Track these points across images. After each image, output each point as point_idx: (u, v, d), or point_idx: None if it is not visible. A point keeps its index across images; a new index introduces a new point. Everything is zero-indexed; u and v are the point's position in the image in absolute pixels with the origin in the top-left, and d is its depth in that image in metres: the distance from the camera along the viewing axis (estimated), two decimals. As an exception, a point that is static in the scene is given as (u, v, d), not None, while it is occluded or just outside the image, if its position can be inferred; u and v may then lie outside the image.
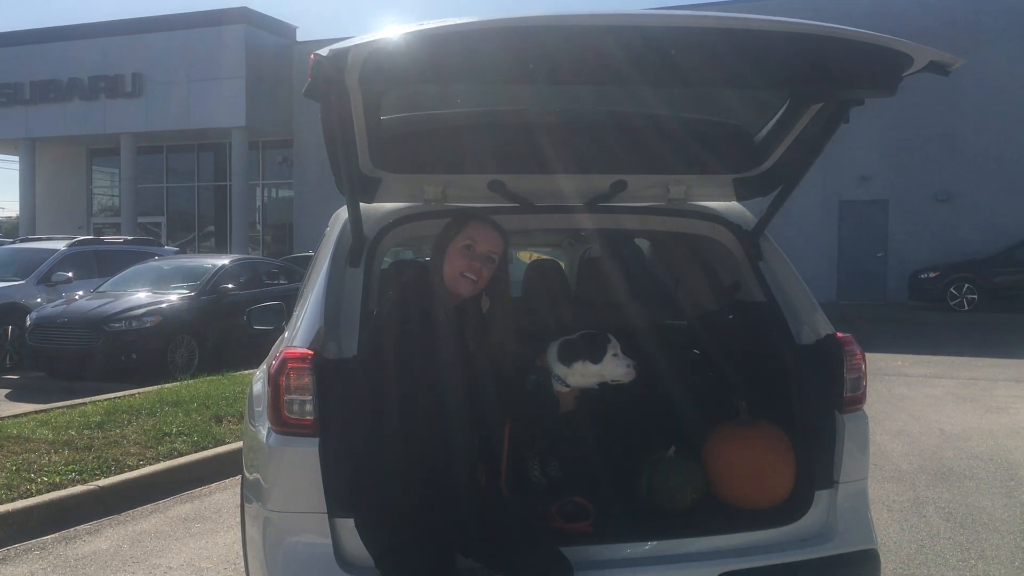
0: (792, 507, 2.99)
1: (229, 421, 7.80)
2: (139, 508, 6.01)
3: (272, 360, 2.94)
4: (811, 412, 3.03)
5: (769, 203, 3.28)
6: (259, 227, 30.09)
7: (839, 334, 3.12)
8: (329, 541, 2.70)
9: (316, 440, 2.71)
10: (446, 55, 2.30)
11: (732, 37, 2.37)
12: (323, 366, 2.77)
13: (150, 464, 6.56)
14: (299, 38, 29.05)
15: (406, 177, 3.19)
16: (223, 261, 13.59)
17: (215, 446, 7.10)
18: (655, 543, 2.85)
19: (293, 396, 2.74)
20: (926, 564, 4.73)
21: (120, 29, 27.67)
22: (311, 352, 2.77)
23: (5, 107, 28.80)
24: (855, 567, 2.93)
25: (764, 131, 3.14)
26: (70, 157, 31.40)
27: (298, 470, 2.74)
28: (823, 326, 3.15)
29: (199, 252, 26.88)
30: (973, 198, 22.27)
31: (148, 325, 11.43)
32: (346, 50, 2.26)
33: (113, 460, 6.50)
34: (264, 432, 2.87)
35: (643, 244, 4.69)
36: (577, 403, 3.08)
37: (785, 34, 2.38)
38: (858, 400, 3.10)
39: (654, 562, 2.81)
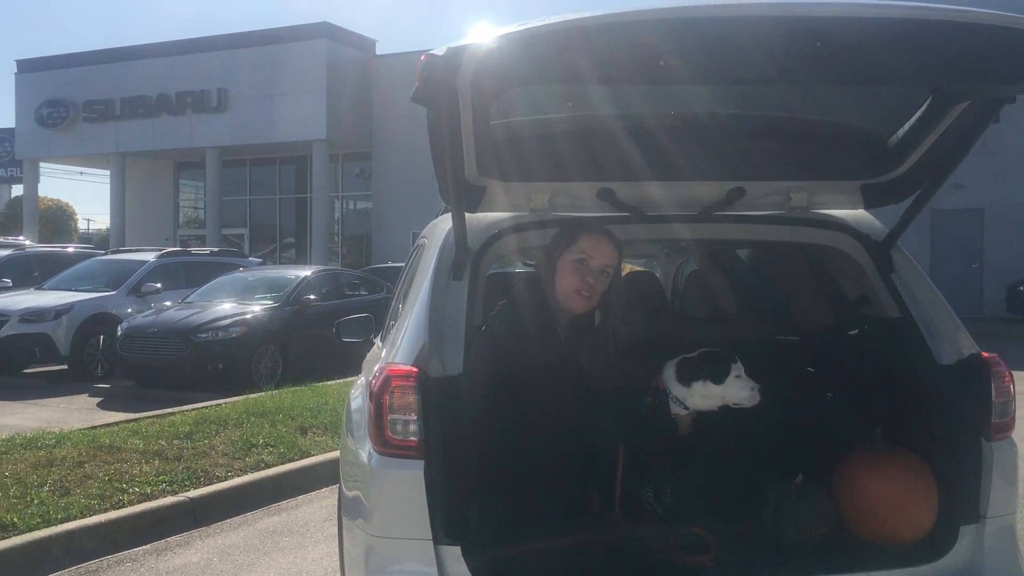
0: (934, 544, 2.74)
1: (314, 433, 7.78)
2: (228, 520, 5.99)
3: (373, 376, 2.81)
4: (955, 439, 2.78)
5: (904, 211, 3.03)
6: (337, 239, 30.46)
7: (984, 353, 2.86)
8: (434, 570, 2.55)
9: (421, 463, 2.57)
10: (573, 53, 2.14)
11: (884, 27, 2.16)
12: (428, 384, 2.63)
13: (238, 475, 6.56)
14: (378, 52, 29.38)
15: (512, 185, 3.04)
16: (306, 272, 13.72)
17: (301, 458, 7.07)
18: None
19: (397, 416, 2.61)
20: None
21: (206, 46, 28.41)
22: (415, 369, 2.64)
23: (97, 123, 29.78)
24: None
25: (900, 132, 2.90)
26: (158, 171, 32.32)
27: (402, 494, 2.60)
28: (966, 345, 2.89)
29: (280, 263, 27.33)
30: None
31: (234, 335, 11.56)
32: (462, 49, 2.13)
33: (202, 471, 6.51)
34: (365, 453, 2.75)
35: (746, 254, 4.46)
36: (695, 426, 2.86)
37: (942, 23, 2.15)
38: (1007, 426, 2.83)
39: None
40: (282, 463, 6.92)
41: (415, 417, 2.59)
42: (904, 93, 2.77)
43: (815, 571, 2.66)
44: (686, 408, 2.88)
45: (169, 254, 15.18)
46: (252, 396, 9.62)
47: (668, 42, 2.17)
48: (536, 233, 3.04)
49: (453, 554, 2.55)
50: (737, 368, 2.88)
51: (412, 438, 2.60)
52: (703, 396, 2.86)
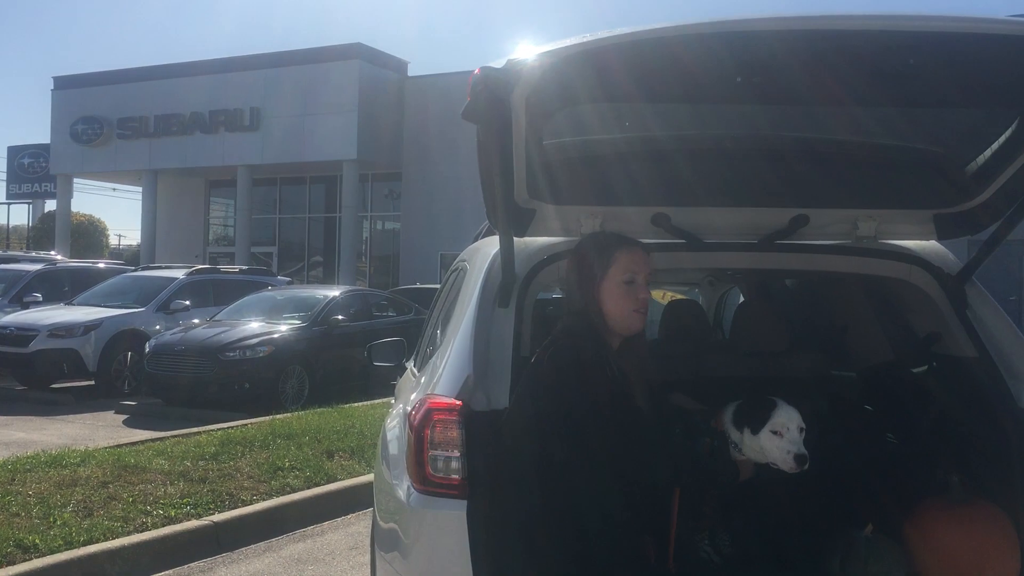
0: None
1: (340, 456, 7.65)
2: (252, 546, 5.86)
3: (412, 407, 2.65)
4: None
5: (983, 243, 2.83)
6: (365, 259, 30.47)
7: None
8: None
9: (463, 503, 2.41)
10: (635, 68, 2.00)
11: (971, 43, 1.99)
12: (472, 419, 2.47)
13: (263, 499, 6.43)
14: (410, 73, 29.47)
15: (563, 209, 2.88)
16: (334, 292, 13.64)
17: (327, 482, 6.94)
18: None
19: (438, 452, 2.45)
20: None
21: (239, 65, 28.59)
22: (459, 403, 2.48)
23: (130, 139, 30.04)
24: None
25: (980, 159, 2.71)
26: (189, 188, 32.52)
27: (443, 536, 2.44)
28: None
29: (307, 282, 27.34)
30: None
31: (261, 355, 11.47)
32: (519, 63, 1.98)
33: (227, 494, 6.39)
34: (403, 489, 2.59)
35: (795, 284, 4.27)
36: (757, 470, 2.64)
37: None
38: None
39: None
40: (308, 487, 6.79)
41: (458, 454, 2.43)
42: (986, 116, 2.59)
43: None
44: (743, 454, 2.66)
45: (198, 271, 15.16)
46: (278, 417, 9.50)
47: (738, 56, 2.02)
48: None
49: None
50: (781, 422, 2.53)
51: (454, 476, 2.44)
52: (750, 447, 2.58)
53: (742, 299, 5.36)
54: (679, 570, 2.55)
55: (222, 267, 17.13)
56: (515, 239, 2.85)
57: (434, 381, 2.72)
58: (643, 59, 2.00)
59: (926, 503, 2.70)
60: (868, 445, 3.14)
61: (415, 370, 3.92)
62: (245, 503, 6.30)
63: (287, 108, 27.50)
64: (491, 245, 3.16)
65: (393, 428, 3.15)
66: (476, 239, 4.20)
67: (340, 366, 12.32)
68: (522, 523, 2.36)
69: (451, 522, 2.40)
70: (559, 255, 2.88)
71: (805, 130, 2.82)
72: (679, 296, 5.59)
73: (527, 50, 2.08)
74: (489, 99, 2.11)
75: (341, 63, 27.14)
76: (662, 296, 5.59)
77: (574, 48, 2.00)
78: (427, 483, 2.46)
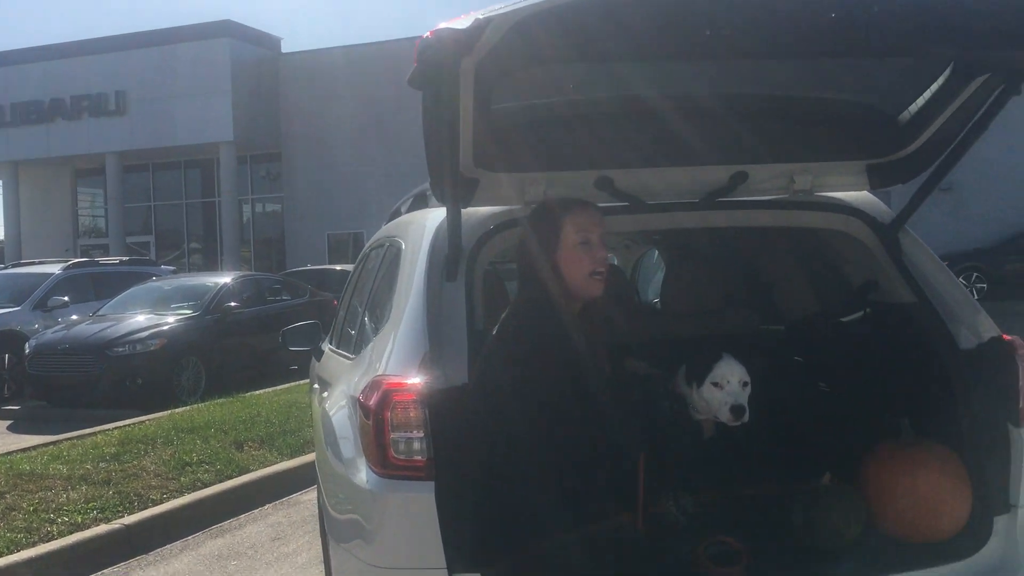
0: (969, 538, 2.62)
1: (251, 447, 7.42)
2: (168, 546, 5.62)
3: (362, 391, 2.54)
4: (982, 427, 2.67)
5: (916, 190, 2.90)
6: (248, 243, 29.63)
7: (1006, 336, 2.75)
8: None
9: (430, 484, 2.33)
10: (589, 27, 1.93)
11: None
12: (433, 397, 2.39)
13: (175, 497, 6.18)
14: (284, 50, 28.66)
15: (507, 177, 2.80)
16: (225, 279, 13.18)
17: (240, 474, 6.72)
18: None
19: (400, 434, 2.36)
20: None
21: (102, 47, 27.19)
22: (418, 382, 2.39)
23: (-15, 130, 28.29)
24: None
25: (912, 109, 2.76)
26: (54, 179, 30.83)
27: (410, 520, 2.36)
28: (987, 328, 2.79)
29: (189, 271, 26.44)
30: (976, 187, 22.11)
31: (153, 348, 11.00)
32: (482, 25, 1.89)
33: (135, 494, 6.11)
34: (361, 475, 2.49)
35: (726, 242, 4.31)
36: (718, 429, 2.65)
37: None
38: None
39: None
40: (220, 481, 6.55)
41: (421, 434, 2.35)
42: (918, 64, 2.63)
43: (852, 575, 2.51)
44: (700, 414, 2.65)
45: (76, 265, 14.39)
46: (178, 411, 9.14)
47: (674, 13, 1.99)
48: None
49: None
50: (720, 374, 2.53)
51: (418, 457, 2.35)
52: (697, 402, 2.56)
53: (657, 260, 5.42)
54: (648, 533, 2.54)
55: (101, 259, 16.34)
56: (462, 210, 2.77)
57: (384, 361, 2.62)
58: (592, 18, 1.94)
59: (879, 448, 2.77)
60: (812, 396, 3.20)
61: (344, 352, 3.78)
62: (156, 502, 6.04)
63: (155, 90, 26.34)
64: (425, 218, 3.06)
65: (337, 413, 3.02)
66: (395, 215, 4.08)
67: (238, 354, 11.95)
68: (493, 499, 2.30)
69: (418, 505, 2.32)
70: (505, 224, 2.81)
71: (742, 86, 2.82)
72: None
73: (474, 14, 1.99)
74: (439, 64, 2.01)
75: (210, 41, 26.17)
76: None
77: (529, 9, 1.92)
78: (389, 467, 2.37)
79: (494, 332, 2.43)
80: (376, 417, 2.38)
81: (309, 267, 19.73)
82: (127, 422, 8.72)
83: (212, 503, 6.22)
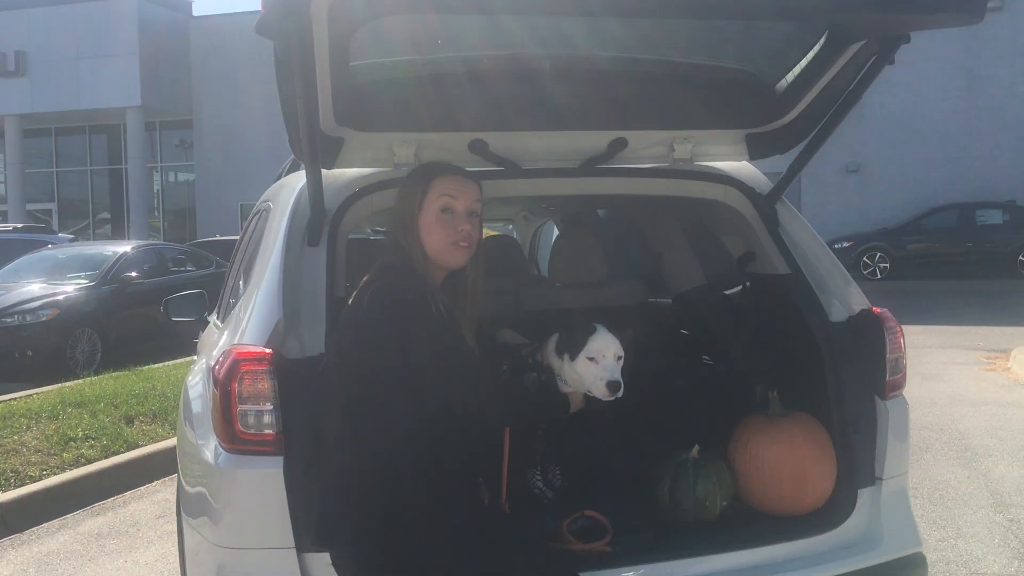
0: (834, 511, 2.62)
1: (141, 421, 7.14)
2: (44, 525, 5.37)
3: (216, 360, 2.40)
4: (849, 399, 2.66)
5: (791, 162, 2.86)
6: (158, 213, 28.73)
7: (876, 309, 2.75)
8: None
9: (279, 459, 2.21)
10: None
11: None
12: (285, 367, 2.26)
13: (55, 474, 5.91)
14: (195, 12, 27.79)
15: (373, 136, 2.66)
16: (124, 248, 12.70)
17: (128, 450, 6.46)
18: (684, 561, 2.44)
19: (249, 406, 2.22)
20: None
21: (1, 4, 25.89)
22: (269, 351, 2.26)
23: None
24: (904, 574, 2.58)
25: (788, 77, 2.71)
26: (-52, 141, 29.42)
27: (258, 497, 2.23)
28: (857, 300, 2.78)
29: (95, 240, 25.54)
30: (883, 168, 22.76)
31: (44, 319, 10.53)
32: None
33: (12, 471, 5.82)
34: (211, 450, 2.35)
35: (614, 214, 4.26)
36: (586, 402, 2.56)
37: None
38: (899, 384, 2.74)
39: None
40: (105, 457, 6.29)
41: (270, 407, 2.22)
42: (794, 34, 2.58)
43: (716, 550, 2.47)
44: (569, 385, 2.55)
45: (-36, 232, 13.74)
46: (68, 384, 8.77)
47: None
48: None
49: (321, 563, 2.21)
50: (595, 347, 2.41)
51: (268, 431, 2.23)
52: (569, 375, 2.44)
53: (557, 233, 5.34)
54: (513, 509, 2.47)
55: (-8, 226, 15.62)
56: (324, 172, 2.63)
57: (240, 330, 2.48)
58: None
59: (746, 420, 2.75)
60: (689, 369, 3.16)
61: (218, 322, 3.62)
62: (34, 479, 5.77)
63: (58, 51, 25.26)
64: (296, 181, 2.92)
65: (196, 385, 2.87)
66: (279, 177, 3.91)
67: (136, 326, 11.53)
68: (346, 476, 2.19)
69: (266, 481, 2.20)
70: (372, 187, 2.68)
71: (621, 50, 2.73)
72: (493, 233, 5.52)
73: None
74: (287, 9, 1.87)
75: (116, 1, 25.12)
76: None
77: None
78: (237, 441, 2.24)
79: (350, 300, 2.31)
80: (223, 388, 2.24)
81: (218, 237, 19.17)
82: (13, 396, 8.33)
83: (96, 480, 5.97)
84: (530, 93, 2.66)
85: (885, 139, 22.61)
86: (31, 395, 8.27)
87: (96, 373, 9.82)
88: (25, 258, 12.41)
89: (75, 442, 6.47)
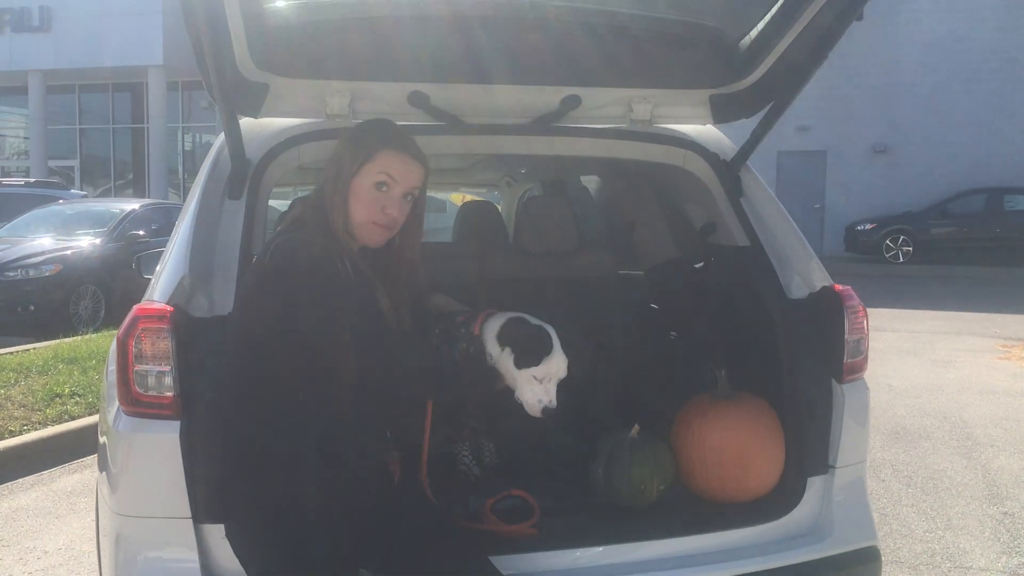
0: (780, 499, 2.45)
1: (131, 380, 7.06)
2: (19, 480, 5.32)
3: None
4: (803, 382, 2.48)
5: (755, 126, 2.66)
6: (182, 173, 28.72)
7: (837, 286, 2.56)
8: (195, 555, 2.09)
9: (177, 424, 2.08)
10: None
11: None
12: (188, 326, 2.12)
13: (35, 429, 5.87)
14: (221, -28, 27.53)
15: (302, 83, 2.49)
16: (132, 206, 12.62)
17: (112, 408, 6.38)
18: (614, 547, 2.29)
19: (148, 366, 2.09)
20: (891, 535, 4.33)
21: (26, -41, 25.88)
22: (171, 308, 2.12)
23: (-102, 40, 26.86)
24: (854, 569, 2.41)
25: (752, 33, 2.51)
26: (-27, 96, 29.57)
27: (154, 463, 2.10)
28: (818, 276, 2.59)
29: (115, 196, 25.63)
30: (910, 150, 22.30)
31: (47, 274, 10.49)
32: None
33: (-8, 425, 5.77)
34: (112, 413, 2.22)
35: (595, 182, 4.08)
36: None
37: None
38: (859, 367, 2.55)
39: (612, 570, 2.25)
40: (90, 414, 6.21)
41: (170, 368, 2.08)
42: None
43: (652, 536, 2.32)
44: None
45: (-25, 185, 13.73)
46: (65, 341, 8.74)
47: None
48: (334, 144, 2.51)
49: (218, 535, 2.09)
50: (546, 370, 2.19)
51: (167, 393, 2.09)
52: (504, 367, 2.24)
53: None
54: (432, 484, 2.32)
55: (4, 180, 15.60)
56: (252, 121, 2.46)
57: (152, 286, 2.35)
58: None
59: (691, 401, 2.58)
60: (648, 344, 2.99)
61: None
62: (13, 434, 5.73)
63: (82, 7, 25.13)
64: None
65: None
66: None
67: (141, 284, 11.44)
68: (247, 444, 2.05)
69: (163, 447, 2.07)
70: (299, 138, 2.51)
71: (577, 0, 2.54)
72: (477, 199, 5.35)
73: None
74: None
75: (142, -42, 25.00)
76: (460, 199, 5.32)
77: None
78: (135, 403, 2.11)
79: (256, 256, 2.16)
80: (122, 346, 2.12)
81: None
82: (9, 350, 8.32)
83: (77, 437, 5.91)
84: (476, 42, 2.47)
85: (914, 121, 22.14)
86: (27, 350, 8.24)
87: (98, 331, 9.78)
88: (32, 213, 12.36)
89: (61, 398, 6.43)
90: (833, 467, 2.49)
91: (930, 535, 4.36)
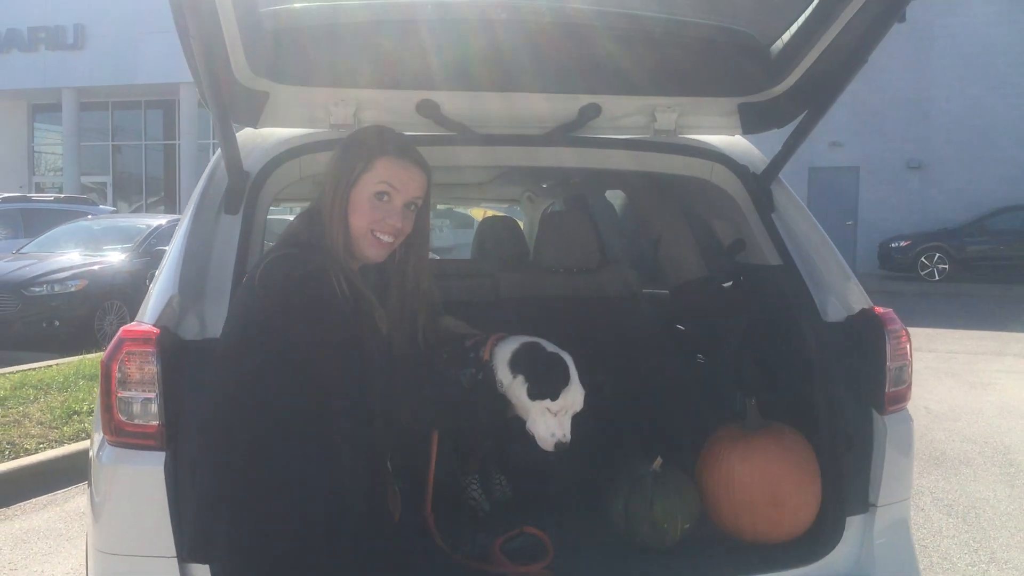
0: (815, 541, 2.27)
1: (150, 397, 6.98)
2: (33, 500, 5.23)
3: None
4: (841, 412, 2.29)
5: (788, 137, 2.48)
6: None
7: (878, 309, 2.37)
8: None
9: (162, 455, 1.94)
10: None
11: None
12: (176, 349, 1.98)
13: (52, 447, 5.78)
14: (253, -10, 27.82)
15: (304, 92, 2.35)
16: (159, 221, 12.64)
17: (130, 427, 6.29)
18: None
19: (132, 392, 1.96)
20: (931, 570, 4.11)
21: (61, -23, 26.31)
22: (157, 330, 1.98)
23: (-63, 59, 27.39)
24: None
25: (784, 37, 2.33)
26: (10, 113, 29.97)
27: (137, 497, 1.97)
28: (857, 298, 2.40)
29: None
30: (945, 166, 21.94)
31: (73, 289, 10.51)
32: None
33: (9, 443, 5.72)
34: (97, 442, 2.09)
35: (616, 194, 3.91)
36: None
37: None
38: (902, 396, 2.36)
39: None
40: (107, 433, 6.14)
41: (155, 395, 1.94)
42: None
43: None
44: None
45: (5, 200, 13.82)
46: (88, 357, 8.70)
47: None
48: None
49: (205, 575, 1.94)
50: (562, 403, 2.05)
51: (152, 423, 1.96)
52: (516, 398, 2.09)
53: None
54: (442, 523, 2.15)
55: (34, 195, 15.72)
56: (251, 131, 2.33)
57: (143, 306, 2.22)
58: None
59: (717, 433, 2.40)
60: (673, 369, 2.81)
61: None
62: (29, 452, 5.65)
63: (116, 25, 25.50)
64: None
65: None
66: None
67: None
68: (238, 477, 1.90)
69: (146, 480, 1.93)
70: (300, 149, 2.37)
71: (598, 2, 2.38)
72: (498, 214, 5.22)
73: None
74: None
75: (175, -24, 25.28)
76: (482, 214, 5.19)
77: None
78: (118, 432, 1.98)
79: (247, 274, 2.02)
80: (105, 371, 1.99)
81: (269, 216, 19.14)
82: (32, 365, 8.29)
83: (92, 456, 5.84)
84: (489, 48, 2.33)
85: (950, 136, 21.78)
86: (50, 366, 8.22)
87: (121, 346, 9.73)
88: (59, 228, 12.44)
89: (79, 416, 6.37)
90: (874, 506, 2.30)
91: (973, 569, 4.14)
